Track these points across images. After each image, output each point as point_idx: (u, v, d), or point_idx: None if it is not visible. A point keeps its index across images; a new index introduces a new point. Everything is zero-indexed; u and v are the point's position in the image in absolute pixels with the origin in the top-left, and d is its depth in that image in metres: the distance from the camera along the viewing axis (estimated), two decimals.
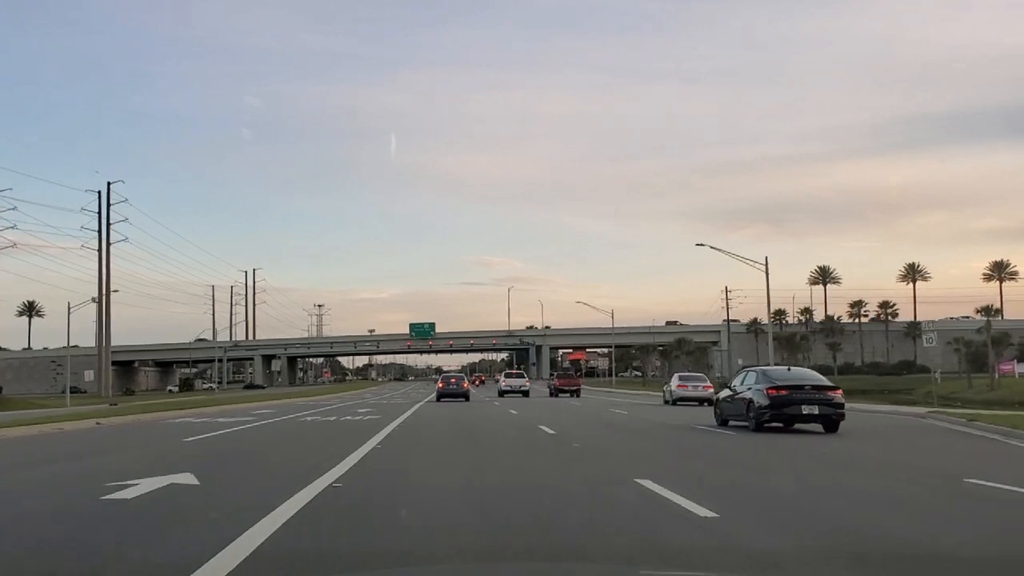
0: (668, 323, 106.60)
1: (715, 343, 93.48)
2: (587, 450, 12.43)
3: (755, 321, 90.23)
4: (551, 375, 62.76)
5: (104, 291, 71.24)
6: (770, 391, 16.28)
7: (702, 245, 33.63)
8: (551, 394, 48.58)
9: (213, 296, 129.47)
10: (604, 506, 6.78)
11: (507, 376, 52.03)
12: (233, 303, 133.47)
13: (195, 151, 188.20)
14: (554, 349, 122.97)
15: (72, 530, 5.64)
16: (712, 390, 32.31)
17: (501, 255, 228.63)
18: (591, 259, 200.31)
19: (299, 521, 5.77)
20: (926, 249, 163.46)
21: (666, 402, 33.87)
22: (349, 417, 22.07)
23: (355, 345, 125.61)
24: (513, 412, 25.25)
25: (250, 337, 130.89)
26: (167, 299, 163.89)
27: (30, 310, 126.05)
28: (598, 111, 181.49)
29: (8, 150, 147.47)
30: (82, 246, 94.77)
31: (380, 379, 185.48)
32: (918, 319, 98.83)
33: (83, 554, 4.89)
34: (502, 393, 47.48)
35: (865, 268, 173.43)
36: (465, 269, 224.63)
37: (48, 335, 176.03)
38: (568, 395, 46.26)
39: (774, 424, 16.58)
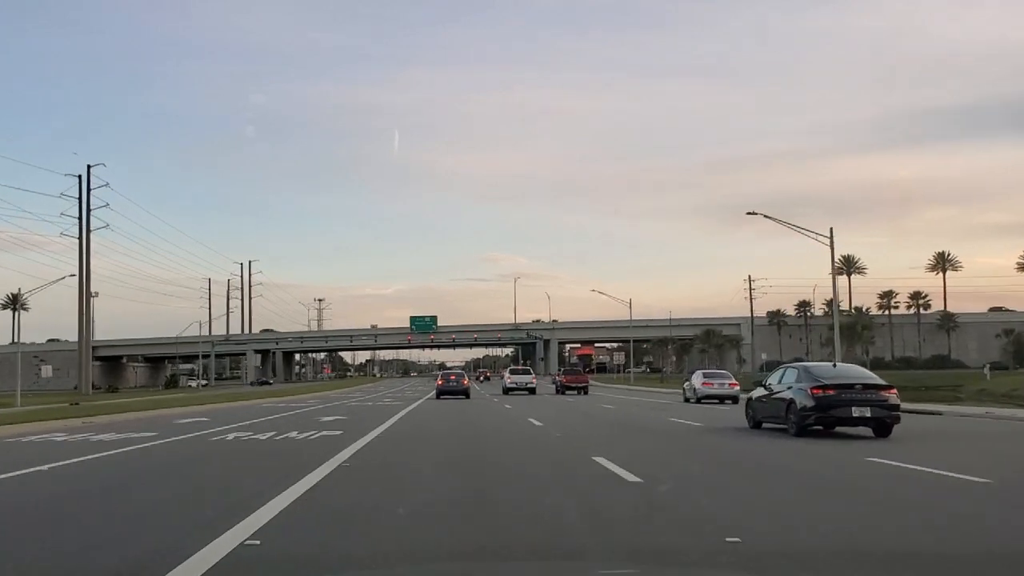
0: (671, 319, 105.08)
1: (734, 337, 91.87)
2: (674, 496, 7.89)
3: (778, 313, 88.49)
4: (558, 371, 61.66)
5: (84, 281, 70.03)
6: (815, 391, 14.91)
7: (753, 213, 31.83)
8: (557, 391, 48.11)
9: (209, 289, 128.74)
10: None
11: (512, 372, 51.10)
12: (229, 297, 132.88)
13: (197, 148, 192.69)
14: (562, 344, 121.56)
15: None
16: (738, 388, 32.71)
17: (505, 252, 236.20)
18: (595, 256, 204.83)
19: None
20: (933, 244, 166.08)
21: (686, 400, 33.43)
22: (295, 433, 16.05)
23: (351, 339, 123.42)
24: (535, 423, 21.30)
25: (247, 331, 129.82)
26: (168, 295, 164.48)
27: (14, 303, 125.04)
28: (601, 108, 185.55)
29: (8, 148, 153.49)
30: (61, 234, 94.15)
31: (379, 375, 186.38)
32: (950, 311, 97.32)
33: None
34: (507, 390, 46.72)
35: (873, 264, 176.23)
36: (468, 266, 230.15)
37: (38, 329, 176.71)
38: (575, 392, 45.79)
39: (815, 428, 15.24)
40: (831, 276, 33.21)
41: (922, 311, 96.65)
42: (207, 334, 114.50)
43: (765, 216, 32.19)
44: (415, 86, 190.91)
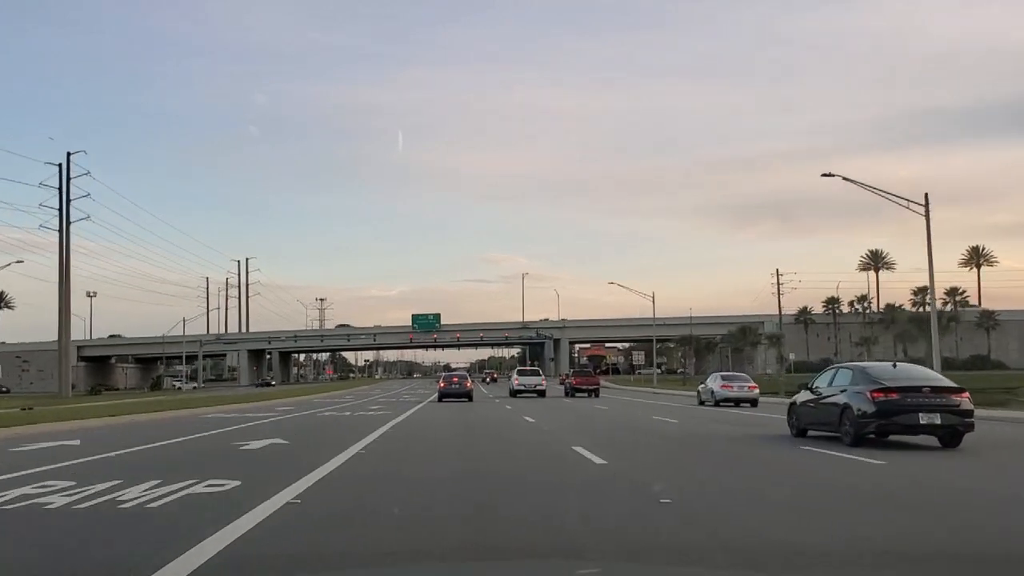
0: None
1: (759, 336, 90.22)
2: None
3: (804, 311, 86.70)
4: (567, 372, 60.49)
5: (63, 275, 68.91)
6: (876, 394, 13.52)
7: (830, 175, 29.83)
8: (566, 393, 47.76)
9: (207, 288, 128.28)
10: None
11: (520, 374, 50.00)
12: (228, 296, 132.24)
13: (198, 148, 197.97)
14: (572, 344, 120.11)
15: None
16: (757, 390, 33.16)
17: (507, 252, 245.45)
18: (598, 256, 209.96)
19: None
20: (937, 244, 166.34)
21: (702, 403, 33.77)
22: (136, 493, 8.18)
23: (349, 338, 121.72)
24: (586, 455, 16.45)
25: (243, 331, 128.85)
26: (172, 295, 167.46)
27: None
28: (604, 108, 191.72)
29: (10, 146, 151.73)
30: (40, 226, 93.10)
31: (379, 376, 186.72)
32: (988, 309, 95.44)
33: None
34: (514, 393, 45.72)
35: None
36: (472, 266, 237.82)
37: (31, 330, 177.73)
38: (585, 395, 45.13)
39: (870, 436, 13.88)
40: (927, 256, 30.42)
41: (964, 307, 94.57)
42: (199, 333, 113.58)
43: (845, 179, 30.05)
44: (416, 86, 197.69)
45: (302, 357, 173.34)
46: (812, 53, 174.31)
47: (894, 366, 15.33)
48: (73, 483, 9.02)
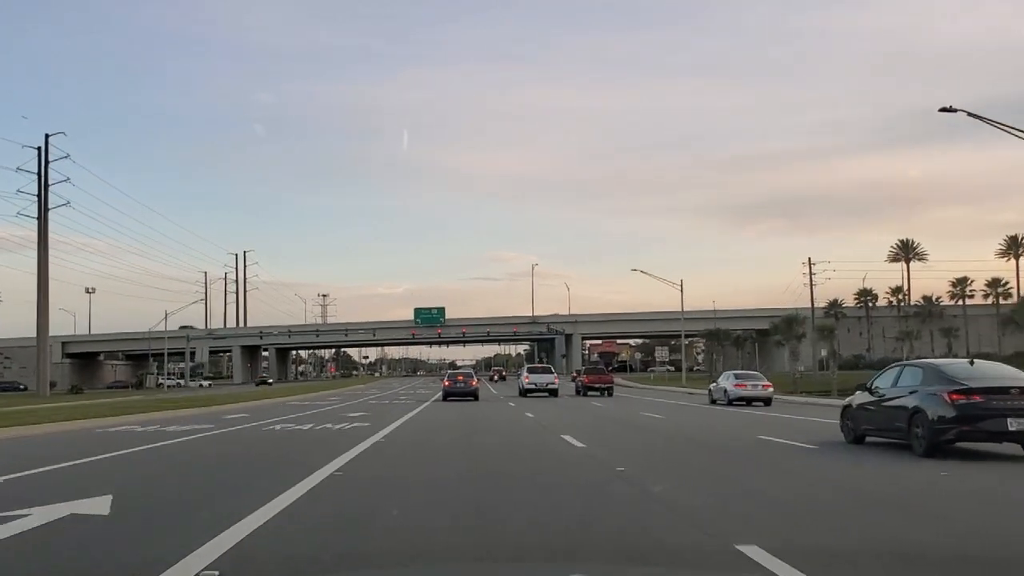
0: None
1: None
2: None
3: (835, 304, 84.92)
4: (578, 370, 59.23)
5: (41, 265, 67.80)
6: (955, 396, 12.17)
7: (949, 110, 28.12)
8: (577, 392, 46.97)
9: (206, 283, 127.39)
10: None
11: (531, 371, 48.12)
12: (226, 291, 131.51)
13: (202, 147, 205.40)
14: (584, 339, 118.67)
15: None
16: (771, 389, 33.66)
17: (514, 251, 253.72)
18: (604, 254, 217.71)
19: None
20: (943, 243, 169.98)
21: (713, 402, 34.23)
22: None
23: (346, 333, 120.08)
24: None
25: (240, 325, 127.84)
26: (174, 291, 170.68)
27: None
28: (609, 106, 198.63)
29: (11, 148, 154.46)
30: (18, 213, 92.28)
31: (378, 375, 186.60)
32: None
33: None
34: (525, 392, 44.52)
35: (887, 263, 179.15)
36: (478, 265, 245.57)
37: (12, 325, 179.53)
38: (598, 393, 44.61)
39: (948, 444, 12.53)
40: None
41: (1007, 300, 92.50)
42: (188, 328, 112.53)
43: (969, 114, 28.25)
44: (420, 85, 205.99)
45: (306, 355, 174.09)
46: (820, 52, 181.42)
47: (971, 363, 13.95)
48: None
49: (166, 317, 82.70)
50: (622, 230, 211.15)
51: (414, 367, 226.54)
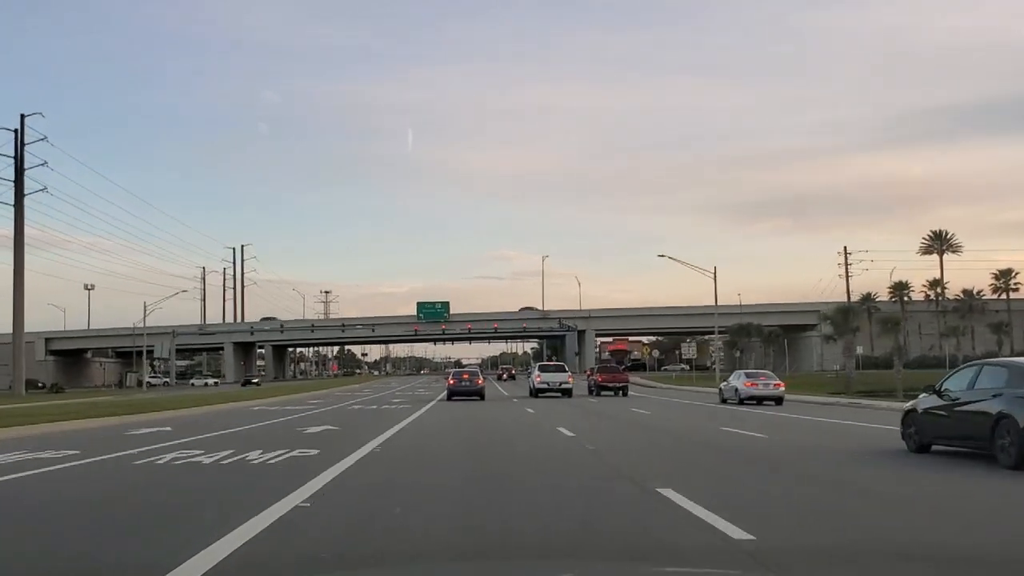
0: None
1: (812, 326, 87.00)
2: None
3: (868, 297, 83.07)
4: (593, 368, 57.93)
5: (18, 254, 66.78)
6: None
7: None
8: (590, 391, 46.11)
9: (203, 279, 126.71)
10: None
11: (543, 369, 46.41)
12: (225, 286, 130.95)
13: (206, 145, 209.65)
14: (597, 336, 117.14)
15: None
16: (783, 388, 34.80)
17: (519, 250, 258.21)
18: (606, 254, 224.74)
19: None
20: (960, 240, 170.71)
21: (724, 401, 35.61)
22: None
23: (343, 328, 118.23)
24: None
25: (235, 321, 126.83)
26: (172, 287, 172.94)
27: None
28: (613, 105, 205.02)
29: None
30: None
31: (378, 373, 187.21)
32: None
33: None
34: (536, 391, 43.47)
35: (890, 259, 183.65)
36: (482, 264, 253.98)
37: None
38: (612, 393, 44.05)
39: None
40: None
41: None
42: (177, 324, 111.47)
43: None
44: (424, 84, 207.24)
45: (309, 352, 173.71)
46: (825, 50, 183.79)
47: None
48: None
49: (145, 311, 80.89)
50: (623, 229, 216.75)
51: (418, 366, 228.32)
